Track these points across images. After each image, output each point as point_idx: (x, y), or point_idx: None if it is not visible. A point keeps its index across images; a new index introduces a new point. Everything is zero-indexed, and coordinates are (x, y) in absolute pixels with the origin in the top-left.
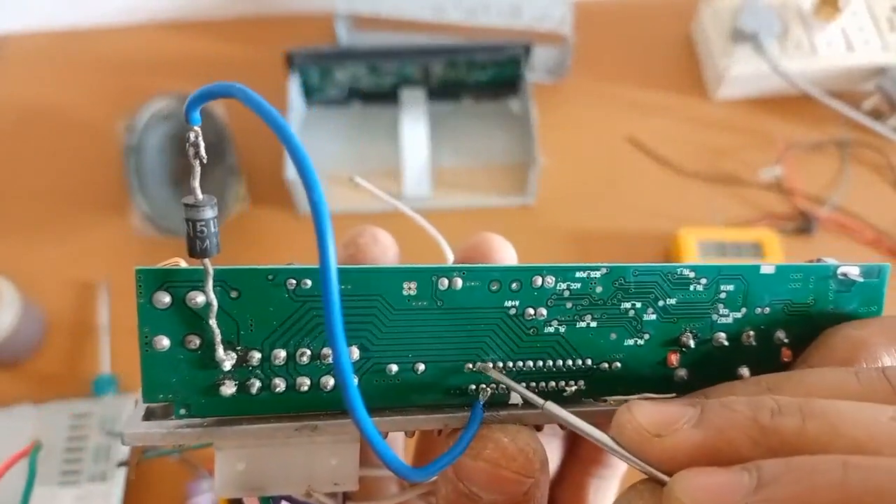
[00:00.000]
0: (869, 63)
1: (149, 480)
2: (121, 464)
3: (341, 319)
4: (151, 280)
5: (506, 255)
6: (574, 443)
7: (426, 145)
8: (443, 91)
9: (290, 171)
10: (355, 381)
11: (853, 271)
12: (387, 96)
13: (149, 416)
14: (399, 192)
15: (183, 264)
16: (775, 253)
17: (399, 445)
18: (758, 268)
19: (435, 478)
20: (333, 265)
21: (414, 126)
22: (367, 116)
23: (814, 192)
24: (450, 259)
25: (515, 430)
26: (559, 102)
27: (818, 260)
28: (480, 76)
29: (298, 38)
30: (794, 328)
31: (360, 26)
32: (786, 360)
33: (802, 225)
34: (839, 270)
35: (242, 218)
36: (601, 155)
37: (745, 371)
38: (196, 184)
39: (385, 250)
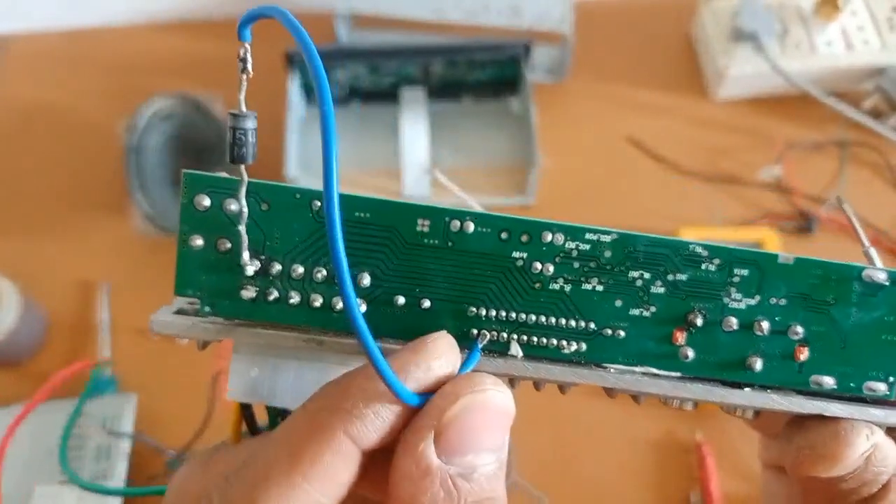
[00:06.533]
0: (869, 63)
1: (149, 481)
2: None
3: (340, 221)
4: (195, 183)
5: None
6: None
7: (426, 145)
8: (443, 90)
9: (291, 171)
10: (361, 307)
11: (880, 276)
12: (387, 96)
13: (179, 313)
14: (399, 192)
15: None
16: None
17: None
18: (775, 256)
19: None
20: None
21: (414, 126)
22: (367, 116)
23: (814, 192)
24: None
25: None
26: (559, 102)
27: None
28: (480, 76)
29: None
30: (813, 326)
31: (360, 26)
32: (801, 358)
33: (802, 224)
34: (864, 273)
35: None
36: (601, 155)
37: (757, 363)
38: (242, 97)
39: None
